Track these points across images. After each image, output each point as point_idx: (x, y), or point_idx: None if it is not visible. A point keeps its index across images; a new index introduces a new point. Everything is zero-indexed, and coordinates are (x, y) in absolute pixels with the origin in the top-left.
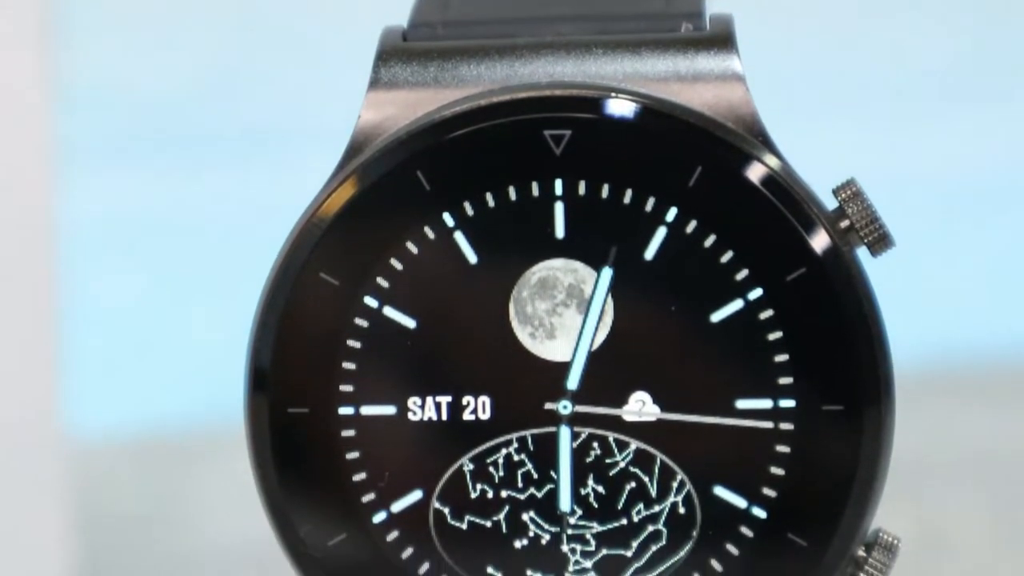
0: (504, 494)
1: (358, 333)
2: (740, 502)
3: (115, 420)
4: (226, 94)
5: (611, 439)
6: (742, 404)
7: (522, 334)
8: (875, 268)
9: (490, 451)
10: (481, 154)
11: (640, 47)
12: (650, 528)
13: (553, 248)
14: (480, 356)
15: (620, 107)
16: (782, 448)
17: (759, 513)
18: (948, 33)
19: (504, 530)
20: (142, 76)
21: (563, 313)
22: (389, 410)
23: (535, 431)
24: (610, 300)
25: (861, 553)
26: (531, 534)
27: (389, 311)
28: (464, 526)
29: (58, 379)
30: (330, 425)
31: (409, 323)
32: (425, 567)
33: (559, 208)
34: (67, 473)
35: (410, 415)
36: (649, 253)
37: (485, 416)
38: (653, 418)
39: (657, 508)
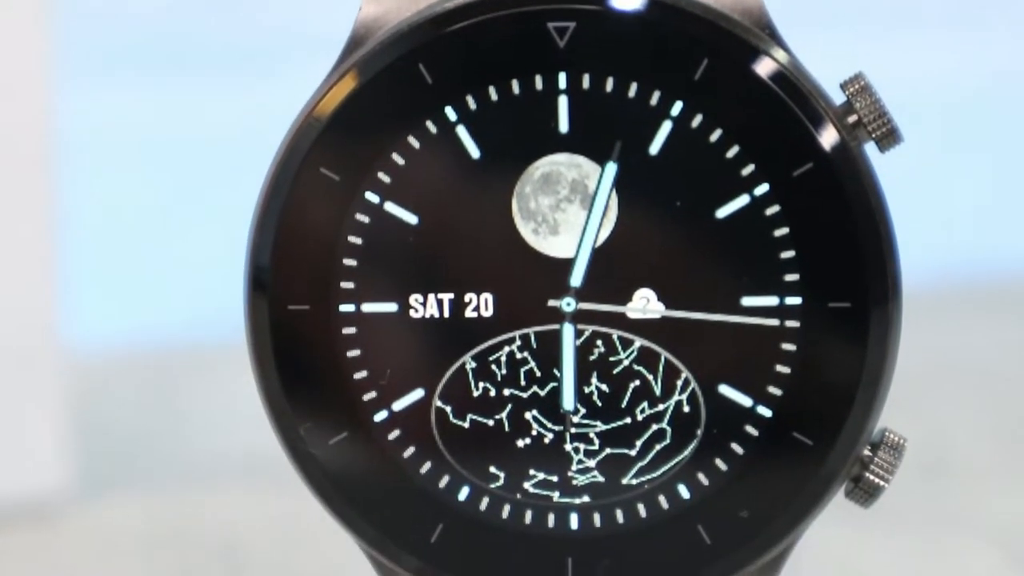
0: (507, 392)
1: (359, 229)
2: (745, 401)
3: (115, 332)
4: (228, 2)
5: (615, 337)
6: (748, 301)
7: (525, 230)
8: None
9: (492, 349)
10: (484, 47)
11: None
12: (654, 427)
13: (557, 142)
14: (482, 253)
15: None
16: (788, 346)
17: (764, 412)
18: None
19: (507, 429)
20: None
21: (567, 209)
22: (390, 307)
23: (538, 328)
24: (614, 196)
25: (867, 453)
26: (534, 433)
27: (390, 206)
28: (466, 425)
29: (58, 291)
30: (331, 323)
31: (411, 219)
32: (427, 466)
33: (563, 102)
34: (67, 385)
35: (411, 312)
36: (654, 148)
37: (487, 313)
38: (658, 315)
39: (661, 407)
